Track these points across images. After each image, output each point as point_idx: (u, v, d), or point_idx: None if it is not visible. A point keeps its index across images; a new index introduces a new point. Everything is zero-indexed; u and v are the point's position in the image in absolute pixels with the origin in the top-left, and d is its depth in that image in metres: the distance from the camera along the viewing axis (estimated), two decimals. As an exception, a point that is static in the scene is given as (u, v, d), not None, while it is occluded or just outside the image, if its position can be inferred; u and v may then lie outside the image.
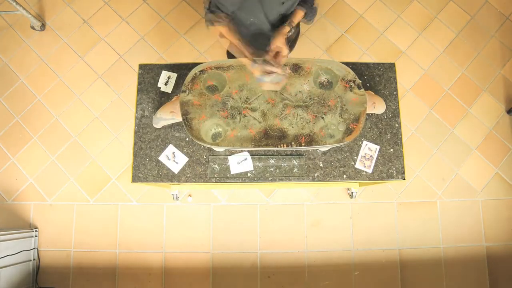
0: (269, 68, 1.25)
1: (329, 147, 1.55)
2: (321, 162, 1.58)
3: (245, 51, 1.29)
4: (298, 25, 1.71)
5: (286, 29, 1.37)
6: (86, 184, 2.43)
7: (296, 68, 1.42)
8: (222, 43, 1.38)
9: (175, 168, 1.57)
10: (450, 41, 2.66)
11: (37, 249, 2.33)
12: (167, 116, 1.47)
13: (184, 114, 1.37)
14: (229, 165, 1.57)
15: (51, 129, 2.51)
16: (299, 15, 1.42)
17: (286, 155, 1.59)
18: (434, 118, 2.53)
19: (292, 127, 1.37)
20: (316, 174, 1.57)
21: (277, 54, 1.33)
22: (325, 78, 1.43)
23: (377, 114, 1.62)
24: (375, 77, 1.67)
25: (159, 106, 1.61)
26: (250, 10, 1.35)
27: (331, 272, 2.32)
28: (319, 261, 2.33)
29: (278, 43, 1.32)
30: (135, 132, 1.60)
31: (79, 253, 2.35)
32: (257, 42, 1.43)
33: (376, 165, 1.58)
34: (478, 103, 2.56)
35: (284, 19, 1.41)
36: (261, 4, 1.32)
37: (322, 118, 1.38)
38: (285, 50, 1.33)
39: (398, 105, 1.64)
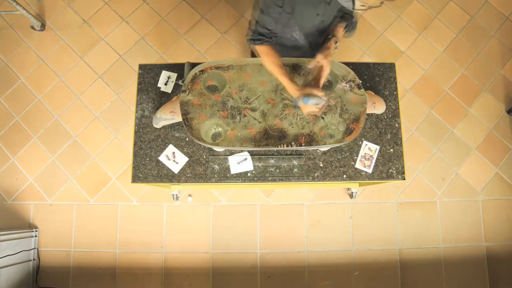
0: (314, 91, 1.24)
1: (329, 147, 1.55)
2: (321, 162, 1.58)
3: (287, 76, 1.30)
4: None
5: (332, 43, 1.35)
6: (86, 184, 2.43)
7: (296, 68, 1.42)
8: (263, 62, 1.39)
9: (175, 168, 1.57)
10: (450, 41, 2.66)
11: (37, 249, 2.33)
12: (167, 116, 1.47)
13: (184, 114, 1.37)
14: (229, 165, 1.57)
15: (51, 129, 2.50)
16: (341, 29, 1.39)
17: (286, 155, 1.59)
18: (434, 118, 2.53)
19: (292, 127, 1.37)
20: (316, 174, 1.57)
21: (317, 81, 1.31)
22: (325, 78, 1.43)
23: (377, 114, 1.62)
24: (375, 77, 1.67)
25: (159, 106, 1.61)
26: (286, 24, 1.34)
27: (331, 272, 2.32)
28: (319, 261, 2.33)
29: (322, 58, 1.29)
30: (135, 132, 1.60)
31: (79, 253, 2.35)
32: (293, 56, 1.42)
33: (376, 165, 1.58)
34: (478, 103, 2.56)
35: (322, 34, 1.40)
36: (295, 17, 1.30)
37: (322, 118, 1.38)
38: (327, 68, 1.30)
39: (398, 105, 1.64)
